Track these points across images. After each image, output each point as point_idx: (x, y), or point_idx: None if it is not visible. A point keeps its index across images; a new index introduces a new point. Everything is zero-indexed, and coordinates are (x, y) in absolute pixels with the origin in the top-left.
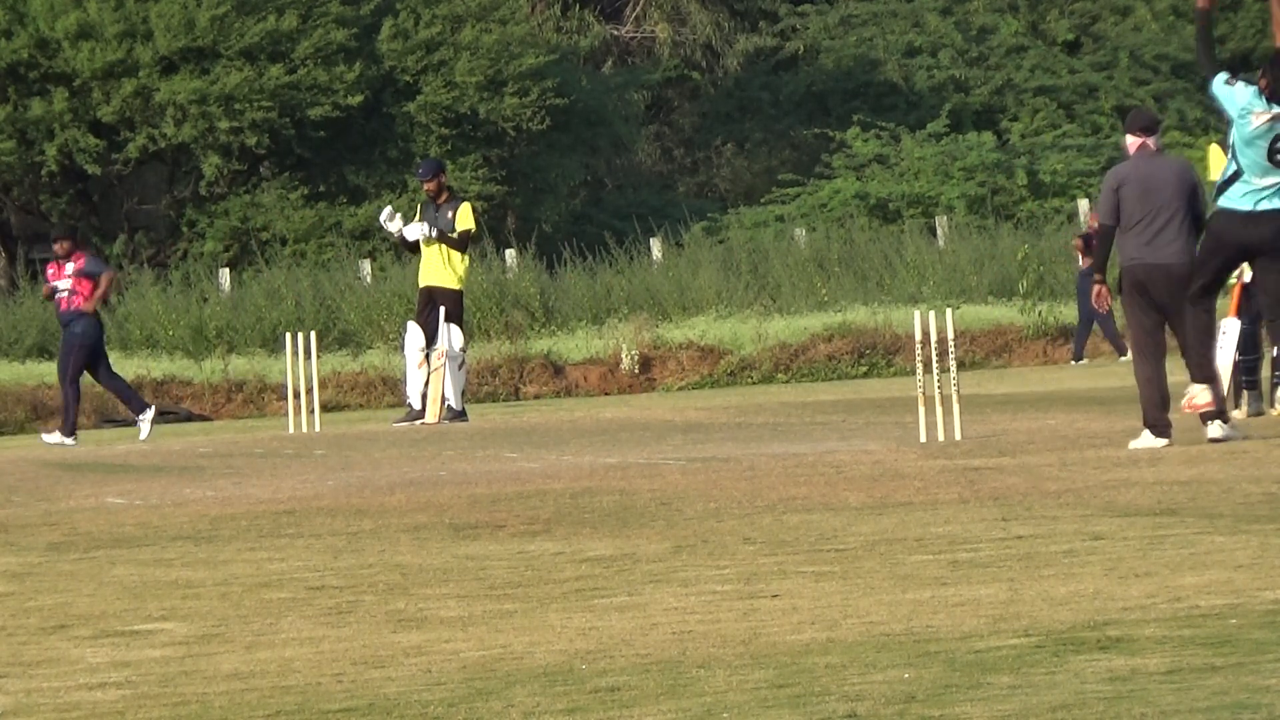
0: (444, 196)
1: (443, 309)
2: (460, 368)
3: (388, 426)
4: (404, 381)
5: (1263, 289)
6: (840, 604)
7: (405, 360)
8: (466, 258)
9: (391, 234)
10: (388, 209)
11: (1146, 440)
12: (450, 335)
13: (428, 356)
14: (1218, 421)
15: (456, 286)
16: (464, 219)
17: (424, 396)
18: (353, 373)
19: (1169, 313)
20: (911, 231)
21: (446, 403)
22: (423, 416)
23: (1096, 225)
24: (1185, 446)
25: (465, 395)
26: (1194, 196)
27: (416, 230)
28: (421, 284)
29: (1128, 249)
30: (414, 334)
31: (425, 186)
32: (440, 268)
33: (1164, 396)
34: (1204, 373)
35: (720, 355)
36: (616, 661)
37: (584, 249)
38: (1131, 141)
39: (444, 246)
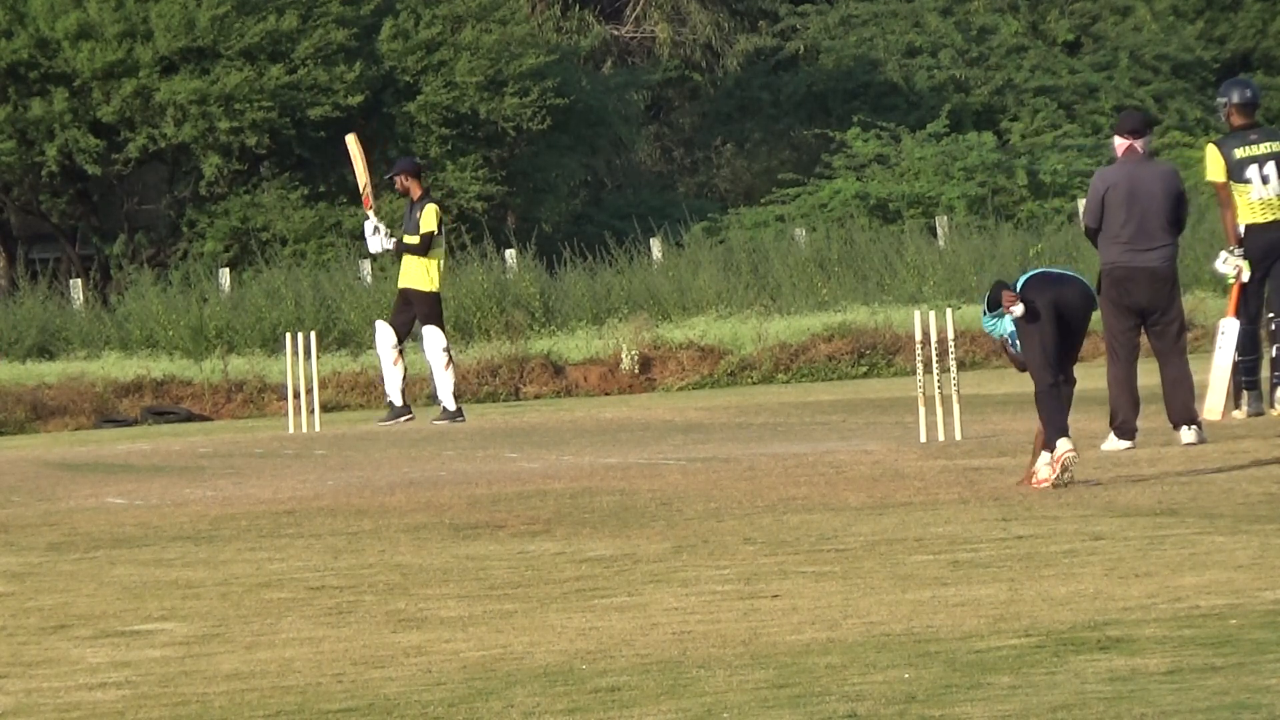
0: (416, 195)
1: (418, 312)
2: (446, 368)
3: (372, 425)
4: (383, 380)
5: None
6: (840, 604)
7: (380, 359)
8: (437, 260)
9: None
10: (369, 223)
11: (1112, 443)
12: (428, 337)
13: (401, 352)
14: (1193, 427)
15: (428, 289)
16: (426, 221)
17: (403, 393)
18: (353, 373)
19: (1148, 316)
20: (911, 231)
21: (441, 405)
22: (408, 413)
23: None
24: (1186, 447)
25: (463, 395)
26: (1178, 203)
27: (377, 245)
28: (399, 285)
29: (1110, 252)
30: (383, 332)
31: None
32: (413, 270)
33: (1134, 399)
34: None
35: (720, 355)
36: (616, 661)
37: (584, 249)
38: (1120, 144)
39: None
